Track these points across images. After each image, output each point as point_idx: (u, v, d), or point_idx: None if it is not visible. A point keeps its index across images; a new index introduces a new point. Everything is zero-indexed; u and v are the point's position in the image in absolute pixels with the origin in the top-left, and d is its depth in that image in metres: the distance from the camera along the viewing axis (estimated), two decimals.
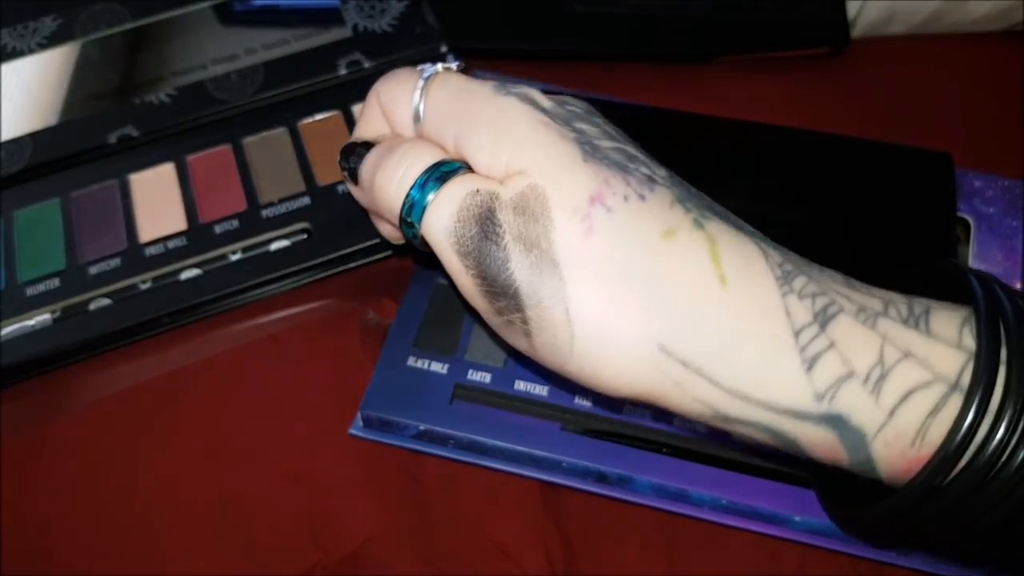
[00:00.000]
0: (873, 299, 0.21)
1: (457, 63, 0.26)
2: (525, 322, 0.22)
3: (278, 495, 0.28)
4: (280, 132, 0.34)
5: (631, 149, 0.23)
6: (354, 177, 0.26)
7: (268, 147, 0.34)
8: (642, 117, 0.35)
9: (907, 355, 0.20)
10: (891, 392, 0.20)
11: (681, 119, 0.35)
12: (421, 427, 0.28)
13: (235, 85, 0.35)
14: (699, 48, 0.40)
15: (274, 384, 0.31)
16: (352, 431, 0.29)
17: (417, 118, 0.25)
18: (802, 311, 0.21)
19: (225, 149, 0.34)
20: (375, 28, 0.36)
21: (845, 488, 0.24)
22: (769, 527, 0.27)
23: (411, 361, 0.29)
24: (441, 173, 0.23)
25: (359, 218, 0.32)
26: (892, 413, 0.20)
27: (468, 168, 0.23)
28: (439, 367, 0.29)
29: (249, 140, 0.34)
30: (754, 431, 0.21)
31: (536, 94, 0.23)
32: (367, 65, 0.35)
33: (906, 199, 0.33)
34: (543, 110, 0.23)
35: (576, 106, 0.24)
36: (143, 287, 0.31)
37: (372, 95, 0.26)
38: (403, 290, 0.32)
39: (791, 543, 0.27)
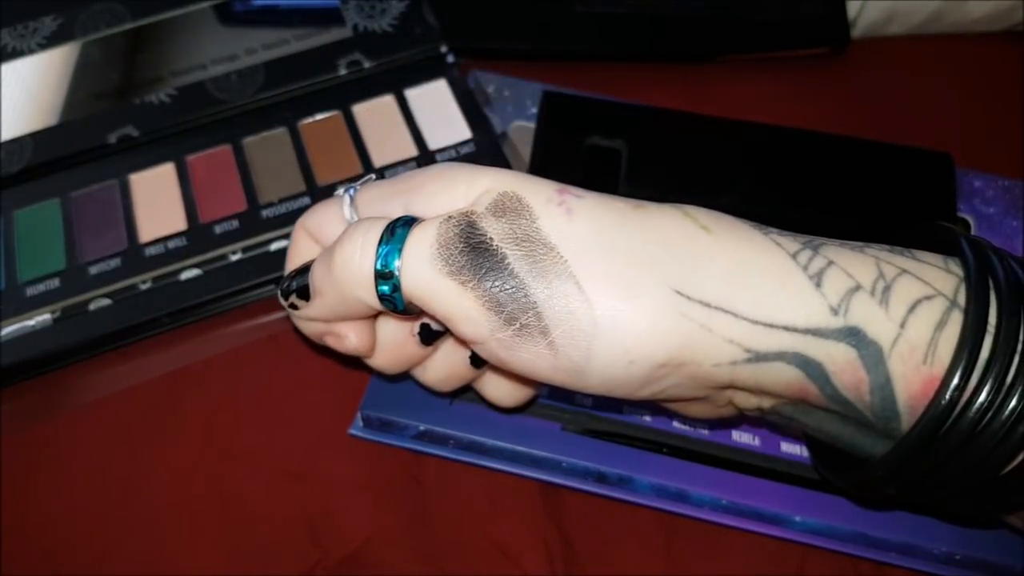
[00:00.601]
0: (851, 242, 0.22)
1: (373, 175, 0.26)
2: (540, 317, 0.21)
3: (278, 495, 0.28)
4: (280, 132, 0.34)
5: None
6: (304, 293, 0.24)
7: (268, 147, 0.34)
8: (643, 117, 0.35)
9: (903, 271, 0.21)
10: (898, 303, 0.20)
11: (682, 119, 0.35)
12: (421, 427, 0.28)
13: (235, 85, 0.35)
14: (700, 48, 0.40)
15: (274, 384, 0.31)
16: (352, 431, 0.29)
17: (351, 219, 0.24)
18: (789, 242, 0.22)
19: (225, 149, 0.34)
20: (375, 28, 0.36)
21: (842, 457, 0.24)
22: (769, 527, 0.27)
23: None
24: (404, 221, 0.22)
25: None
26: (903, 324, 0.20)
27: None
28: None
29: (249, 140, 0.34)
30: (785, 369, 0.21)
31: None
32: (367, 65, 0.35)
33: (906, 199, 0.33)
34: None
35: None
36: (143, 287, 0.31)
37: (298, 229, 0.26)
38: None
39: (791, 543, 0.27)
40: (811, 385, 0.21)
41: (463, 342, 0.24)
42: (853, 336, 0.20)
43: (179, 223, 0.32)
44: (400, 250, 0.22)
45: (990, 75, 0.40)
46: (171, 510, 0.28)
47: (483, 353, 0.23)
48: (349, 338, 0.25)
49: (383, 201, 0.24)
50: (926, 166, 0.34)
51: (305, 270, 0.24)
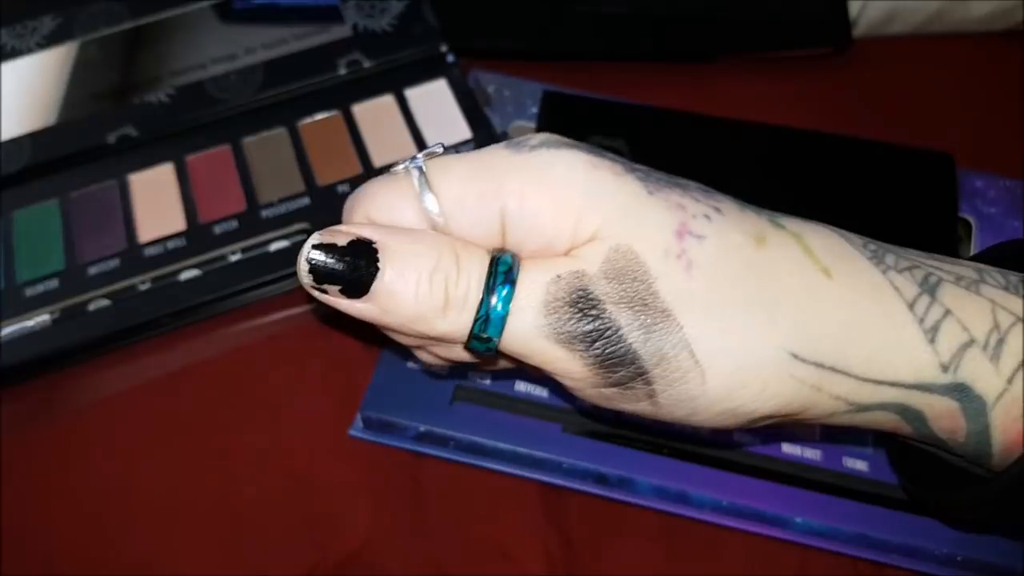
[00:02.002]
0: (965, 268, 0.22)
1: (439, 145, 0.22)
2: (648, 382, 0.20)
3: (278, 496, 0.28)
4: (280, 132, 0.34)
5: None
6: (353, 288, 0.20)
7: (268, 147, 0.34)
8: (643, 117, 0.35)
9: (1018, 320, 0.20)
10: (1009, 357, 0.20)
11: (683, 119, 0.35)
12: (421, 428, 0.28)
13: (234, 85, 0.35)
14: (701, 48, 0.39)
15: (274, 385, 0.30)
16: (352, 432, 0.29)
17: (430, 220, 0.21)
18: (907, 285, 0.21)
19: (224, 149, 0.34)
20: (375, 27, 0.36)
21: (931, 474, 0.24)
22: (769, 528, 0.27)
23: (411, 362, 0.29)
24: (503, 272, 0.20)
25: None
26: (1011, 380, 0.20)
27: (516, 254, 0.21)
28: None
29: (249, 140, 0.34)
30: (883, 415, 0.21)
31: (551, 135, 0.22)
32: (367, 65, 0.35)
33: (908, 200, 0.33)
34: (576, 147, 0.21)
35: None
36: (142, 288, 0.31)
37: (356, 214, 0.22)
38: None
39: (791, 544, 0.27)
40: (906, 426, 0.22)
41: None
42: (959, 391, 0.20)
43: (178, 223, 0.32)
44: (504, 318, 0.20)
45: (992, 75, 0.40)
46: (170, 511, 0.28)
47: (578, 395, 0.22)
48: (419, 353, 0.23)
49: (471, 199, 0.21)
50: (928, 166, 0.33)
51: (365, 255, 0.20)
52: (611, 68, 0.39)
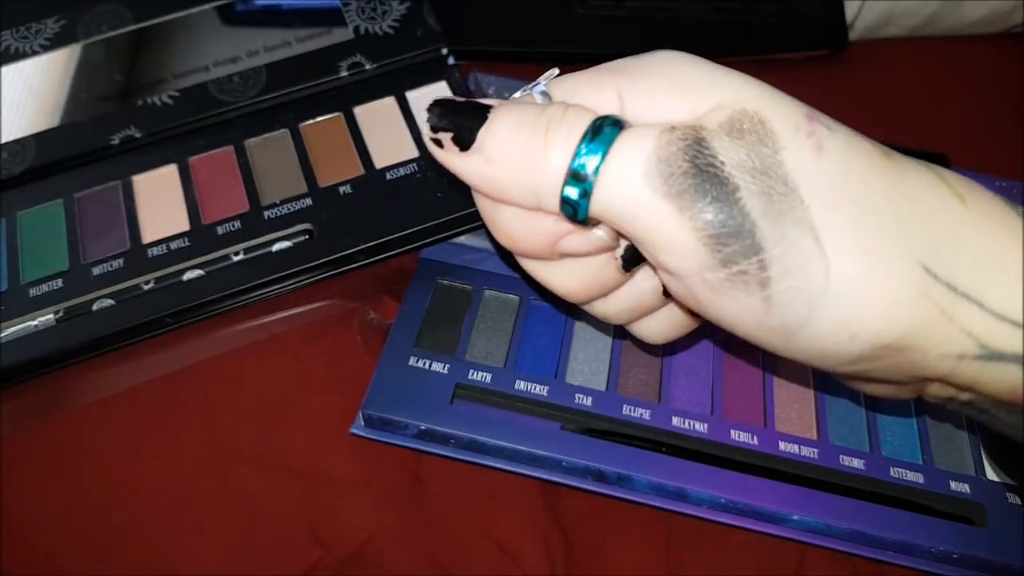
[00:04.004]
0: None
1: (556, 70, 0.22)
2: (764, 267, 0.18)
3: (280, 494, 0.28)
4: (282, 134, 0.35)
5: None
6: (462, 140, 0.20)
7: (270, 148, 0.34)
8: None
9: None
10: None
11: None
12: (422, 426, 0.28)
13: (237, 87, 0.35)
14: (699, 50, 0.40)
15: (276, 384, 0.31)
16: (354, 430, 0.29)
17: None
18: None
19: (227, 151, 0.34)
20: (376, 30, 0.36)
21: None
22: (768, 526, 0.27)
23: (412, 361, 0.29)
24: (613, 120, 0.19)
25: (360, 219, 0.32)
26: None
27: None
28: (440, 367, 0.29)
29: (251, 142, 0.34)
30: (1015, 369, 0.19)
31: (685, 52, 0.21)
32: (368, 67, 0.36)
33: None
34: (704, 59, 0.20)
35: None
36: (146, 288, 0.31)
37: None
38: (404, 290, 0.32)
39: (790, 541, 0.27)
40: None
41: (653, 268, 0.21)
42: None
43: (182, 224, 0.32)
44: (605, 153, 0.18)
45: (987, 77, 0.40)
46: (174, 509, 0.28)
47: (677, 289, 0.20)
48: (505, 216, 0.21)
49: (591, 88, 0.20)
50: None
51: (475, 112, 0.20)
52: None
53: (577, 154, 0.19)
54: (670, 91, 0.19)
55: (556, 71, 0.22)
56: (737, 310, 0.19)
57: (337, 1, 0.37)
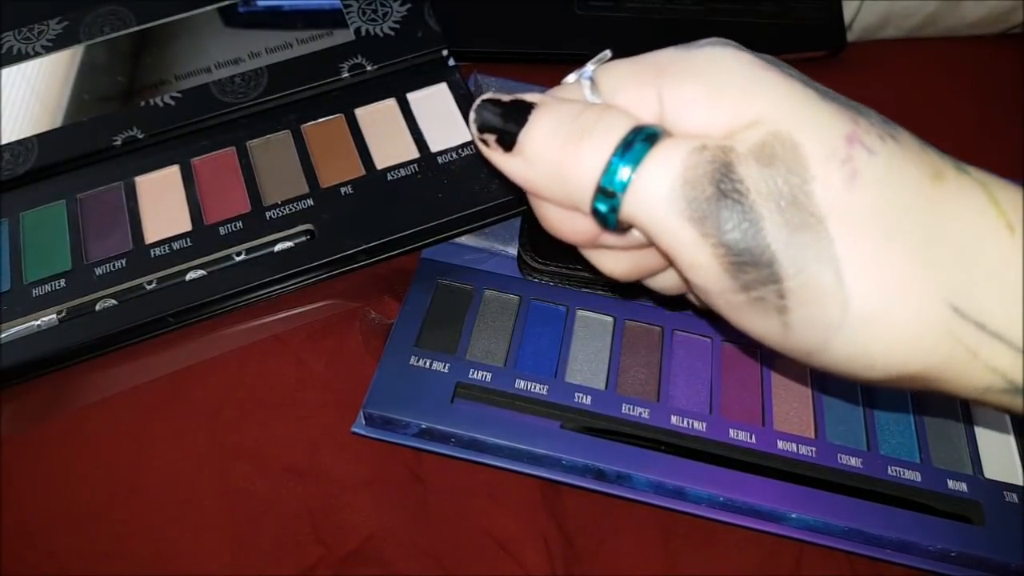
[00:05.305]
0: None
1: (608, 52, 0.22)
2: (781, 295, 0.18)
3: (282, 492, 0.28)
4: (283, 135, 0.35)
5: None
6: (506, 141, 0.21)
7: (272, 149, 0.34)
8: None
9: None
10: None
11: None
12: (423, 425, 0.28)
13: (239, 88, 0.35)
14: None
15: (277, 383, 0.31)
16: (355, 429, 0.29)
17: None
18: None
19: (229, 151, 0.34)
20: (377, 31, 0.37)
21: None
22: (766, 524, 0.27)
23: (413, 360, 0.29)
24: (647, 135, 0.19)
25: (362, 219, 0.32)
26: None
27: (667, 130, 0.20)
28: (440, 366, 0.29)
29: (253, 143, 0.34)
30: None
31: (723, 39, 0.20)
32: (369, 68, 0.36)
33: None
34: (746, 50, 0.20)
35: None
36: (148, 288, 0.31)
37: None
38: (405, 290, 0.32)
39: (788, 540, 0.27)
40: None
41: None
42: None
43: (184, 224, 0.32)
44: (634, 170, 0.19)
45: (985, 77, 0.40)
46: (176, 508, 0.28)
47: (705, 300, 0.20)
48: (550, 212, 0.22)
49: (634, 85, 0.20)
50: None
51: (517, 112, 0.21)
52: None
53: (607, 170, 0.19)
54: (708, 99, 0.19)
55: (608, 54, 0.22)
56: (759, 328, 0.19)
57: (338, 3, 0.37)
